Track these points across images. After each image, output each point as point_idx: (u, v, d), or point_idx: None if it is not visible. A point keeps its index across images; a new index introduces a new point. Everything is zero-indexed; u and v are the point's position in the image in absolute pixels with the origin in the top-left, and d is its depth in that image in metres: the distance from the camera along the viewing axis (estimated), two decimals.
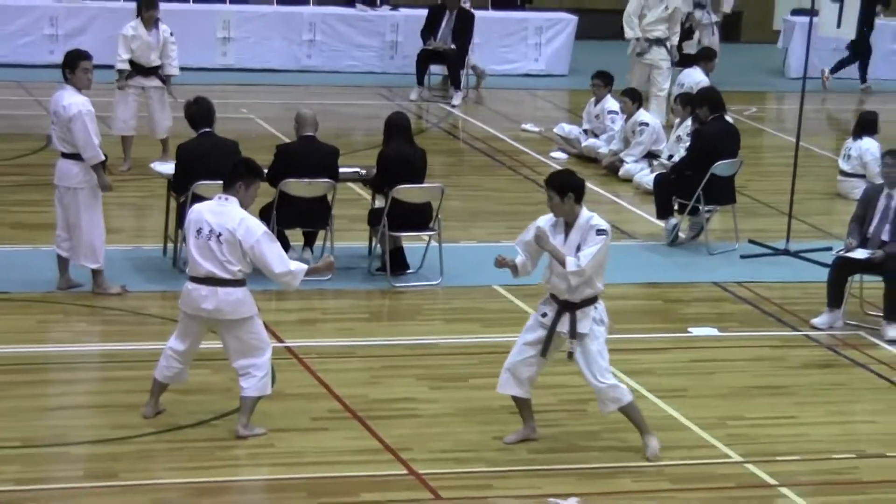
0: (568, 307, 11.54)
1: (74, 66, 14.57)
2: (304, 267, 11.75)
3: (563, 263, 11.39)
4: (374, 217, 15.85)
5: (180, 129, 15.53)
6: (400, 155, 15.74)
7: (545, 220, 11.62)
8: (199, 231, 11.48)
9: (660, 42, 22.61)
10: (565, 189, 11.48)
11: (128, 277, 15.02)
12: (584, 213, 11.55)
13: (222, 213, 11.47)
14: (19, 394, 12.43)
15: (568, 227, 11.55)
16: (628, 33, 23.07)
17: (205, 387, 12.40)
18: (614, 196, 19.22)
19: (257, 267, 11.55)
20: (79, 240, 14.53)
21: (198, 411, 12.06)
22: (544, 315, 11.66)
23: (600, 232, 11.45)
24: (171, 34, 19.78)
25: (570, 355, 11.65)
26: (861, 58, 27.04)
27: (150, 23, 19.62)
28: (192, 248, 11.55)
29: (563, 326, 11.57)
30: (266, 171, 15.28)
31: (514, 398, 11.94)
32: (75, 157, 14.48)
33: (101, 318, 14.26)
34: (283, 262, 11.51)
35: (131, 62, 19.52)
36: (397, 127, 16.01)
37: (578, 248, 11.42)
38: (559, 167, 20.26)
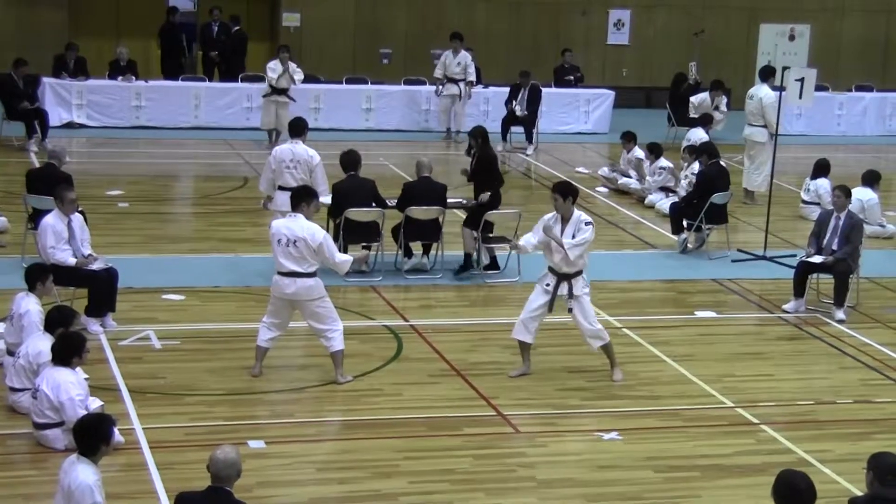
0: (564, 277, 11.83)
1: (305, 129, 14.91)
2: (350, 259, 11.95)
3: (561, 245, 11.70)
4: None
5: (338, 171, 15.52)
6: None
7: (549, 216, 11.98)
8: (279, 241, 11.48)
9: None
10: (567, 193, 11.89)
11: None
12: (576, 211, 11.89)
13: (294, 226, 11.50)
14: (224, 357, 12.48)
15: (564, 221, 11.85)
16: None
17: (351, 354, 12.34)
18: (640, 218, 19.04)
19: (321, 258, 11.58)
20: None
21: (348, 371, 12.04)
22: (548, 285, 11.95)
23: (588, 223, 11.82)
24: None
25: (570, 310, 11.95)
26: None
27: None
28: (277, 252, 11.49)
29: (563, 290, 11.82)
30: (396, 201, 15.35)
31: (521, 343, 12.13)
32: None
33: None
34: (336, 255, 11.66)
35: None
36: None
37: (573, 237, 11.75)
38: (603, 198, 20.17)
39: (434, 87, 25.14)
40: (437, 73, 25.04)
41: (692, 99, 24.69)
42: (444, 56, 25.05)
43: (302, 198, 11.71)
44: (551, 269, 11.96)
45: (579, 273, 11.91)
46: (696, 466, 10.41)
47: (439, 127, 25.26)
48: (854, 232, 14.57)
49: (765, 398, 11.98)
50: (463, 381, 12.07)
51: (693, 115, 24.11)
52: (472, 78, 24.93)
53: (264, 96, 23.35)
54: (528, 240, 12.09)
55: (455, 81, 24.79)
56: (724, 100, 25.02)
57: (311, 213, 11.74)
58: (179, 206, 19.47)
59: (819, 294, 15.07)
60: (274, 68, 23.15)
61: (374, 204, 15.18)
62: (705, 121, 21.84)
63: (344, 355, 11.82)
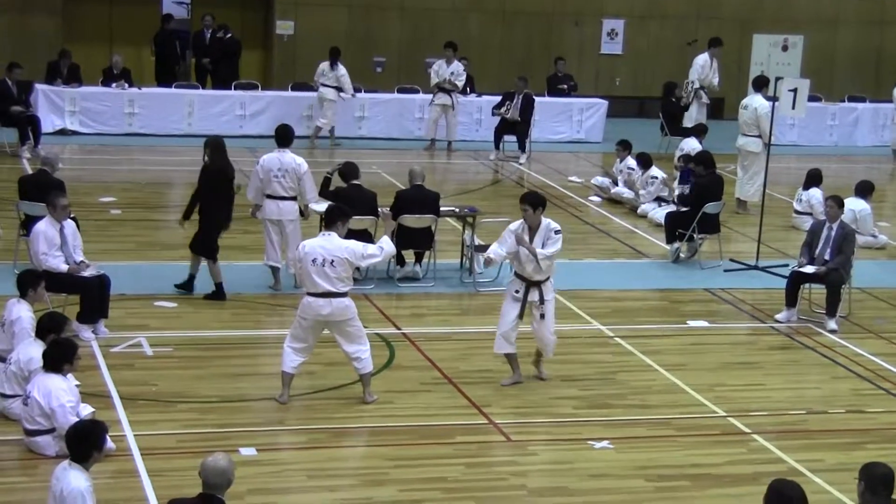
0: (533, 284, 11.87)
1: (292, 137, 14.87)
2: (390, 251, 11.65)
3: (535, 254, 11.72)
4: None
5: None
6: None
7: (515, 225, 12.01)
8: (314, 260, 11.22)
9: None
10: (537, 204, 11.94)
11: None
12: (543, 219, 11.92)
13: (329, 245, 11.29)
14: (216, 364, 12.48)
15: (532, 230, 11.89)
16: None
17: (343, 362, 12.29)
18: (633, 227, 19.05)
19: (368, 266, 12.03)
20: (292, 253, 14.24)
21: (341, 376, 12.05)
22: (517, 291, 11.98)
23: (557, 232, 11.92)
24: None
25: (543, 316, 11.97)
26: None
27: None
28: (311, 273, 11.22)
29: (533, 297, 11.88)
30: (388, 209, 15.33)
31: (507, 355, 12.16)
32: (294, 199, 14.59)
33: (274, 312, 14.28)
34: (375, 256, 11.48)
35: None
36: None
37: (542, 245, 11.80)
38: (595, 207, 20.19)
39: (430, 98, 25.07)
40: (433, 81, 25.00)
41: (687, 113, 24.78)
42: (437, 65, 25.04)
43: (337, 217, 11.50)
44: (519, 276, 12.00)
45: (547, 280, 12.00)
46: (687, 475, 10.42)
47: (425, 136, 25.17)
48: (846, 242, 14.59)
49: (756, 408, 12.00)
50: (455, 389, 12.08)
51: (687, 124, 24.16)
52: (459, 85, 24.89)
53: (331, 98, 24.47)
54: (497, 251, 12.02)
55: (447, 91, 24.75)
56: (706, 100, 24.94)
57: (344, 231, 11.52)
58: (172, 213, 19.39)
59: (811, 304, 15.09)
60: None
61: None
62: (699, 130, 21.89)
63: (372, 374, 11.75)
